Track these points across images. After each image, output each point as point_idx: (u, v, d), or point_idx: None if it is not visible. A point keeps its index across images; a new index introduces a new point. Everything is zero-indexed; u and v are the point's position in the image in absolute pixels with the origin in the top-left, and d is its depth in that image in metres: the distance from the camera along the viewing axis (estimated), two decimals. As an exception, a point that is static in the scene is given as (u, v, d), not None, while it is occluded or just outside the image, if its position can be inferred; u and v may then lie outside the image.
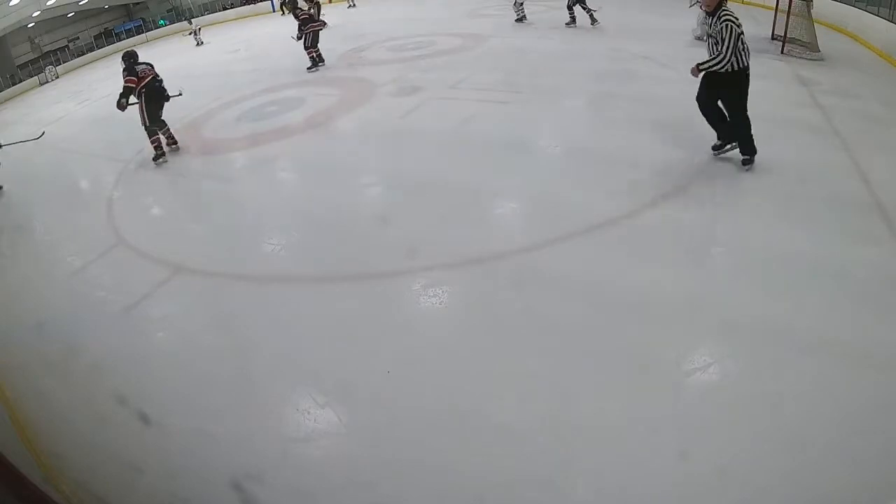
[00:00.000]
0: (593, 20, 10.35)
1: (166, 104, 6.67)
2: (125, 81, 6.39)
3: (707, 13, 4.25)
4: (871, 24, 8.34)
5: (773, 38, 8.30)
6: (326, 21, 11.12)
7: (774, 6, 8.44)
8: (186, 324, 3.64)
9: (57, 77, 20.09)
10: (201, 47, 17.33)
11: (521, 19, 11.79)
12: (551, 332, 2.93)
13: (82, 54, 22.74)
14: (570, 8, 10.53)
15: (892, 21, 7.70)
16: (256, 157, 6.34)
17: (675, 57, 7.58)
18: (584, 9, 10.37)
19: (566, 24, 10.62)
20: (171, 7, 28.41)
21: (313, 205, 4.90)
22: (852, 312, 2.80)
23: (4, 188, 7.06)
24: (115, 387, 3.06)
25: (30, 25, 23.34)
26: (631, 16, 11.22)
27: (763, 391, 2.41)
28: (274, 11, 21.09)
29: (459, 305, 3.33)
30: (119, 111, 6.55)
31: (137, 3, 29.26)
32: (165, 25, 25.95)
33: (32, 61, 22.30)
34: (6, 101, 17.70)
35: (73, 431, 2.84)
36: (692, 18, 9.18)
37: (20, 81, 19.19)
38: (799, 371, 2.49)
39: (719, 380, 2.55)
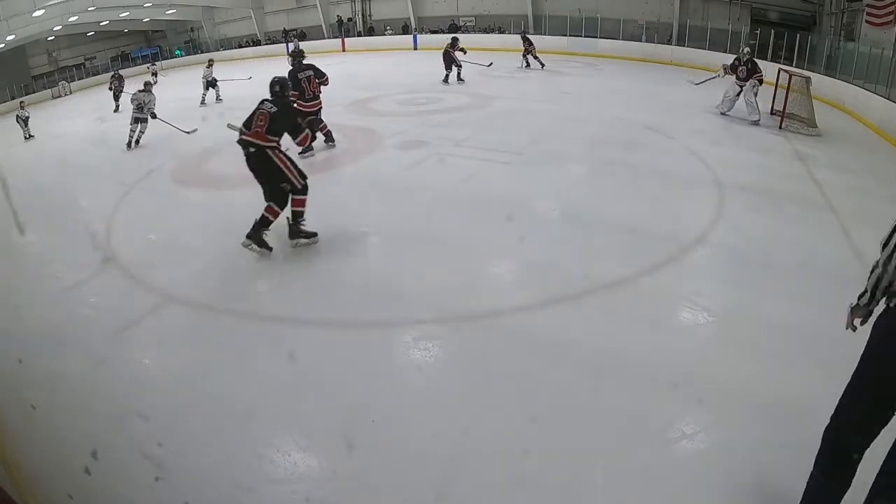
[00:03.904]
0: (541, 64, 14.93)
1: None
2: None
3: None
4: (867, 101, 8.86)
5: (772, 113, 8.76)
6: None
7: (774, 82, 8.92)
8: (173, 354, 3.64)
9: (70, 93, 20.45)
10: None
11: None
12: (537, 394, 2.98)
13: (97, 74, 23.20)
14: (524, 56, 15.04)
15: (888, 98, 8.19)
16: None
17: (678, 128, 7.99)
18: (535, 58, 14.93)
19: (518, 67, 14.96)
20: (188, 39, 29.30)
21: (310, 249, 4.97)
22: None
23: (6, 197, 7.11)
24: (95, 408, 3.06)
25: (50, 39, 23.95)
26: (641, 86, 11.83)
27: (750, 460, 2.47)
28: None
29: (449, 361, 3.38)
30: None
31: (156, 32, 30.17)
32: (181, 56, 26.64)
33: (48, 74, 22.76)
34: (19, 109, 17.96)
35: (46, 447, 2.82)
36: (699, 89, 9.63)
37: (34, 92, 19.50)
38: (784, 441, 2.56)
39: (705, 448, 2.62)
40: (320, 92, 7.45)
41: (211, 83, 13.85)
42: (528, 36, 16.02)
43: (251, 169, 4.70)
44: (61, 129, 12.91)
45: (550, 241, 4.82)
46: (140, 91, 9.47)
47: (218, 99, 13.86)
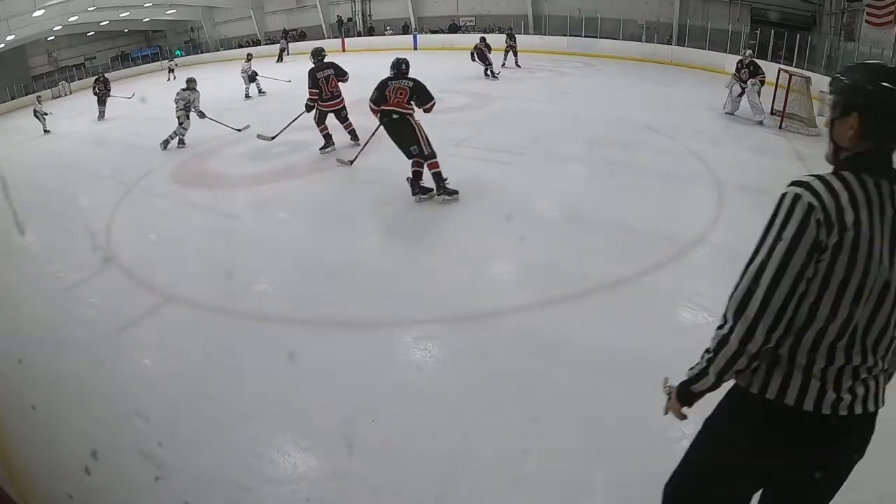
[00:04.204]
0: (517, 65, 15.48)
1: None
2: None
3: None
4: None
5: (772, 113, 8.78)
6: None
7: (775, 82, 8.95)
8: (173, 354, 3.63)
9: (70, 93, 20.47)
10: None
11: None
12: (537, 394, 2.97)
13: (97, 73, 23.22)
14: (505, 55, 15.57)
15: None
16: (258, 196, 6.47)
17: (678, 128, 8.01)
18: (514, 55, 15.56)
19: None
20: (188, 39, 29.32)
21: (310, 249, 4.97)
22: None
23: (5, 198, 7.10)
24: (95, 408, 3.06)
25: (50, 39, 23.96)
26: (641, 86, 11.85)
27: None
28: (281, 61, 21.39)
29: (449, 361, 3.38)
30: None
31: (156, 32, 30.20)
32: (181, 56, 26.61)
33: (48, 74, 22.79)
34: (19, 108, 18.03)
35: (45, 449, 2.82)
36: (699, 89, 9.65)
37: (34, 92, 19.52)
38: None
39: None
40: (339, 90, 7.54)
41: (251, 77, 13.70)
42: (515, 34, 16.50)
43: (390, 132, 5.58)
44: (61, 129, 12.89)
45: (550, 241, 4.81)
46: (184, 89, 8.95)
47: (261, 92, 13.78)
